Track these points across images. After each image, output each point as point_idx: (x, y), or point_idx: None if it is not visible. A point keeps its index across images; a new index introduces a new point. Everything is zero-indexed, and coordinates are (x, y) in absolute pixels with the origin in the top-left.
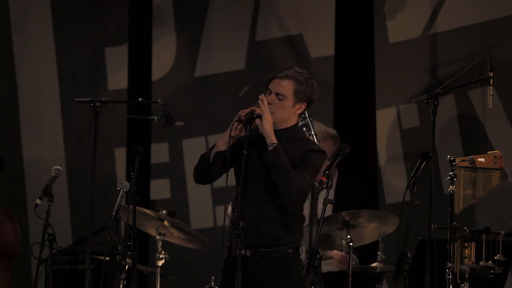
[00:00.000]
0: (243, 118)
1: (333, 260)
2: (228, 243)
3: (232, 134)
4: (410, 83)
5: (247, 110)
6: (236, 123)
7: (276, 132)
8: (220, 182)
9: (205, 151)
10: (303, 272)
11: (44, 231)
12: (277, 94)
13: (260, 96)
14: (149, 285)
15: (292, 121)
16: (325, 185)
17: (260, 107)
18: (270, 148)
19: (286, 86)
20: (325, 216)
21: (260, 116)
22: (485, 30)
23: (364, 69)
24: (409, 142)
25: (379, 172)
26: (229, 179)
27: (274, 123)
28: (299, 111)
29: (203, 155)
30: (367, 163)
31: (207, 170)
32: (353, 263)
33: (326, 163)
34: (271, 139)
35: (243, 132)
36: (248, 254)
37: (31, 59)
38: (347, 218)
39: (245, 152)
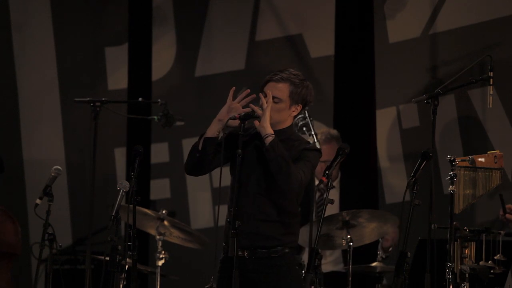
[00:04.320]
0: (237, 116)
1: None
2: (224, 244)
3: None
4: (410, 83)
5: (246, 110)
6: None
7: (274, 133)
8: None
9: None
10: (301, 271)
11: (44, 231)
12: (272, 97)
13: (261, 95)
14: (149, 285)
15: (287, 123)
16: (327, 185)
17: (261, 104)
18: (268, 139)
19: (281, 89)
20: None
21: (257, 117)
22: (485, 30)
23: (364, 69)
24: (409, 142)
25: (379, 172)
26: (225, 177)
27: (270, 125)
28: (295, 113)
29: (193, 145)
30: (367, 163)
31: (198, 161)
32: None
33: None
34: (269, 130)
35: (236, 122)
36: (245, 255)
37: (31, 59)
38: (347, 218)
39: (239, 151)
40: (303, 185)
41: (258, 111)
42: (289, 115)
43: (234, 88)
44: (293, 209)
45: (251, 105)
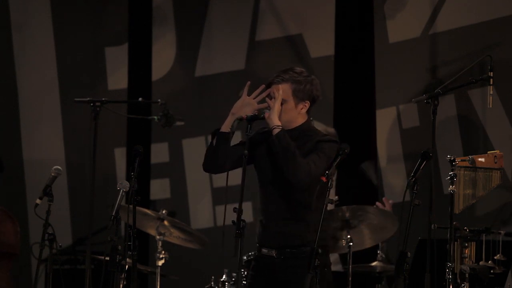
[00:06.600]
0: (244, 117)
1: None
2: (257, 244)
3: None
4: (410, 83)
5: (261, 106)
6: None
7: (287, 132)
8: (220, 182)
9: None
10: (330, 273)
11: (44, 231)
12: None
13: (270, 90)
14: (149, 285)
15: (300, 121)
16: (328, 185)
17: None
18: (275, 130)
19: (284, 90)
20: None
21: (263, 119)
22: (485, 30)
23: (364, 69)
24: (409, 142)
25: (379, 172)
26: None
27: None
28: (304, 110)
29: (210, 143)
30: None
31: (212, 156)
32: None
33: None
34: (276, 121)
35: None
36: (274, 254)
37: (31, 59)
38: (347, 215)
39: (245, 152)
40: (313, 175)
41: (271, 103)
42: (298, 113)
43: (249, 82)
44: (315, 205)
45: (267, 99)
